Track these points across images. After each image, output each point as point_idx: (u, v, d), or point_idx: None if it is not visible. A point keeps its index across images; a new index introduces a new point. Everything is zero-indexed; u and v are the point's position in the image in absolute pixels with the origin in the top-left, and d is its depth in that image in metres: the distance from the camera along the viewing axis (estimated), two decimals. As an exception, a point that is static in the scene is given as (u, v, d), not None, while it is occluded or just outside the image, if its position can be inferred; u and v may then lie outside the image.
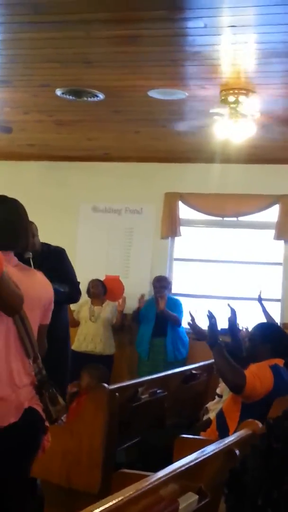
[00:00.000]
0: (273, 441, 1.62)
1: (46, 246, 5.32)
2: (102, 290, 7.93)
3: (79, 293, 5.58)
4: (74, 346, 7.70)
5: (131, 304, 8.10)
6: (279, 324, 7.55)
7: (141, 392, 4.91)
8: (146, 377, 5.51)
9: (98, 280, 7.93)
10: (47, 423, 3.09)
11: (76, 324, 7.83)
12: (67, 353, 5.55)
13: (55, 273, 4.99)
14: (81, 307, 7.85)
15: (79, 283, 5.53)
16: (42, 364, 3.06)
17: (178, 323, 7.76)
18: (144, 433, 4.92)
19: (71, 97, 5.76)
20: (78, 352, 7.58)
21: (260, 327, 4.68)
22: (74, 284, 5.37)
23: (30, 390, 3.00)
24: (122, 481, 2.97)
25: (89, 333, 7.74)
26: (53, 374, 3.13)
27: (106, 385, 4.38)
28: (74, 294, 5.41)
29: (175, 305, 7.86)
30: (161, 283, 7.94)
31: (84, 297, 7.86)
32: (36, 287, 3.06)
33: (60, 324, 5.32)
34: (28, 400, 2.97)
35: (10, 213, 3.10)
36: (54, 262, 5.15)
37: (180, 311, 7.79)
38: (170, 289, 8.08)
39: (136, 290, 8.19)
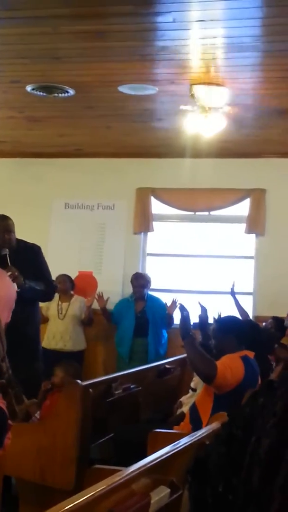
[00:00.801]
0: (234, 428, 1.64)
1: (23, 242, 5.30)
2: (70, 285, 7.90)
3: (54, 291, 5.58)
4: (44, 344, 7.64)
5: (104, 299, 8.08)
6: (251, 317, 7.61)
7: (114, 387, 4.92)
8: (119, 372, 5.51)
9: (65, 276, 7.88)
10: (10, 421, 3.06)
11: (45, 320, 7.81)
12: (38, 349, 5.53)
13: (30, 270, 4.99)
14: (50, 304, 7.79)
15: (53, 281, 5.52)
16: (9, 363, 3.05)
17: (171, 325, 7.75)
18: (118, 428, 4.93)
19: (41, 93, 5.74)
20: (48, 349, 7.55)
21: (218, 321, 4.77)
22: (49, 283, 5.37)
23: None
24: (96, 477, 2.97)
25: (58, 331, 7.72)
26: (26, 371, 3.11)
27: (79, 381, 4.38)
28: (49, 292, 5.41)
29: (160, 306, 7.80)
30: (140, 282, 7.84)
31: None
32: (5, 287, 3.04)
33: (33, 322, 5.31)
34: None
35: None
36: (29, 259, 5.14)
37: (164, 311, 7.73)
38: (149, 287, 7.95)
39: (109, 285, 8.18)
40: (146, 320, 7.70)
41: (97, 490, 2.09)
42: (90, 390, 4.34)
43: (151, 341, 7.63)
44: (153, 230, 8.47)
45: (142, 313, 7.72)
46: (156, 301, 7.87)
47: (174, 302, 7.57)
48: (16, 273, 4.63)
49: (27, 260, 5.07)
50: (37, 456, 4.15)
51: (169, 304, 7.67)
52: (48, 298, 5.65)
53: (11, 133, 7.56)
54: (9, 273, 4.19)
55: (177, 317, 4.70)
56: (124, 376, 5.24)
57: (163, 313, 7.68)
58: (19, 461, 4.10)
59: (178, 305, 4.48)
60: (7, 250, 4.89)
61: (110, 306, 7.98)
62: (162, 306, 7.74)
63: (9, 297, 3.07)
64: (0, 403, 2.98)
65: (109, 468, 3.75)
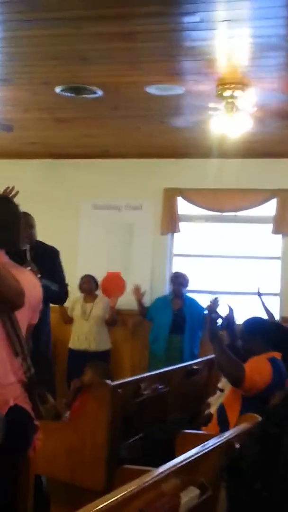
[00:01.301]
0: (270, 427, 1.64)
1: (42, 243, 5.32)
2: (94, 286, 7.95)
3: (67, 295, 5.60)
4: (70, 344, 7.78)
5: (132, 299, 8.11)
6: (278, 318, 7.58)
7: (143, 387, 4.92)
8: (148, 373, 5.52)
9: (89, 276, 7.94)
10: (37, 422, 3.08)
11: (70, 321, 7.87)
12: (50, 351, 5.54)
13: (45, 271, 5.01)
14: (74, 305, 7.87)
15: (67, 285, 5.53)
16: (31, 362, 3.06)
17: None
18: (146, 428, 4.94)
19: (70, 95, 5.76)
20: (74, 350, 7.62)
21: (245, 323, 4.75)
22: (63, 286, 5.39)
23: (16, 388, 2.99)
24: (125, 477, 2.98)
25: (82, 332, 7.77)
26: (39, 374, 3.12)
27: (109, 381, 4.40)
28: (62, 295, 5.43)
29: (198, 307, 7.81)
30: (179, 280, 7.94)
31: (76, 294, 7.90)
32: (26, 285, 3.05)
33: (44, 323, 5.31)
34: (14, 398, 2.94)
35: (2, 209, 3.11)
36: (46, 261, 5.15)
37: (202, 312, 7.76)
38: (187, 287, 8.04)
39: (137, 286, 8.20)
40: (182, 319, 7.76)
41: (128, 490, 2.10)
42: (119, 390, 4.36)
43: (186, 339, 7.69)
44: (179, 231, 8.47)
45: (179, 311, 7.79)
46: (194, 301, 7.92)
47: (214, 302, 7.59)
48: (34, 270, 4.62)
49: (44, 261, 5.08)
50: (67, 456, 4.18)
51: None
52: (61, 301, 5.68)
53: (41, 134, 7.61)
54: (28, 268, 4.22)
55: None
56: (152, 377, 5.25)
57: (200, 314, 7.72)
58: (49, 460, 4.12)
59: (206, 308, 4.50)
60: (28, 245, 4.88)
61: (130, 306, 8.02)
62: (200, 307, 7.76)
63: (34, 297, 3.07)
64: (25, 405, 3.00)
65: (138, 468, 3.74)
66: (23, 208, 3.43)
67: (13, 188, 3.73)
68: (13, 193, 3.71)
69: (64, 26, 4.33)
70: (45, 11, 4.11)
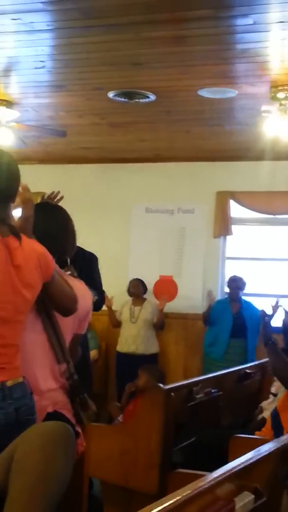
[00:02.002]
0: None
1: (80, 249, 5.31)
2: (142, 289, 7.97)
3: (103, 302, 5.60)
4: (118, 347, 7.81)
5: (184, 303, 8.11)
6: None
7: (196, 391, 4.92)
8: (200, 376, 5.51)
9: (138, 280, 7.98)
10: (78, 428, 3.08)
11: (119, 325, 7.91)
12: (88, 358, 5.53)
13: (84, 277, 5.00)
14: (123, 308, 7.92)
15: (104, 292, 5.53)
16: (73, 369, 3.08)
17: None
18: (199, 433, 4.92)
19: (123, 99, 5.80)
20: (122, 353, 7.66)
21: None
22: (101, 293, 5.38)
23: (57, 394, 3.00)
24: (179, 481, 2.99)
25: (130, 335, 7.80)
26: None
27: (161, 385, 4.40)
28: (101, 303, 5.43)
29: (253, 309, 7.79)
30: (237, 284, 7.91)
31: (125, 297, 7.94)
32: (79, 296, 3.07)
33: None
34: (52, 405, 2.96)
35: (51, 220, 3.13)
36: (85, 267, 5.14)
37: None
38: (243, 290, 8.01)
39: (189, 289, 8.20)
40: (242, 322, 7.72)
41: (183, 495, 2.10)
42: (172, 394, 4.35)
43: (250, 341, 7.63)
44: (232, 234, 8.44)
45: (238, 315, 7.75)
46: (251, 304, 7.91)
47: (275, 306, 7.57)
48: (74, 274, 4.60)
49: (82, 267, 5.05)
50: (120, 459, 4.19)
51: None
52: (98, 308, 5.67)
53: (95, 139, 7.67)
54: (68, 273, 4.23)
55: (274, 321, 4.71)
56: (205, 380, 5.23)
57: (258, 317, 7.68)
58: (103, 463, 4.15)
59: (260, 312, 4.45)
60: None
61: (190, 310, 8.01)
62: (257, 310, 7.72)
63: (82, 307, 3.08)
64: (65, 411, 3.00)
65: (192, 473, 3.75)
66: (76, 212, 3.45)
67: (58, 192, 3.71)
68: (58, 197, 3.69)
69: (117, 32, 4.36)
70: (98, 18, 4.14)
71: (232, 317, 7.76)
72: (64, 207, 3.35)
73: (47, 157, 8.62)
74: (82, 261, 4.95)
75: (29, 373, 2.82)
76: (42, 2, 3.97)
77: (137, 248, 8.54)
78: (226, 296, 8.09)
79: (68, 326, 3.05)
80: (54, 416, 2.93)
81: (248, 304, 7.92)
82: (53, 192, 3.68)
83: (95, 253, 5.14)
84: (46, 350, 2.94)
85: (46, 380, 2.94)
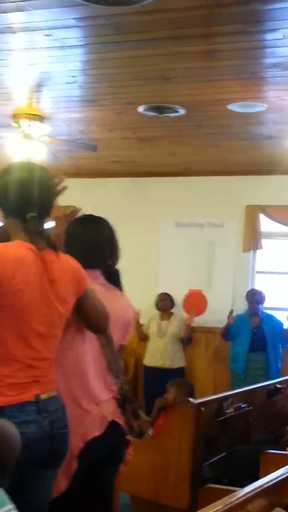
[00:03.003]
0: None
1: None
2: (170, 304, 7.97)
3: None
4: (145, 361, 7.81)
5: (213, 317, 8.09)
6: None
7: (226, 406, 4.90)
8: (230, 391, 5.48)
9: (166, 294, 7.98)
10: (129, 437, 3.11)
11: (146, 338, 7.91)
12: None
13: None
14: (150, 322, 7.93)
15: None
16: (123, 379, 3.10)
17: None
18: (229, 448, 4.90)
19: (153, 114, 5.82)
20: (149, 367, 7.66)
21: None
22: None
23: (111, 403, 3.04)
24: (209, 496, 2.97)
25: (158, 349, 7.80)
26: None
27: (191, 399, 4.39)
28: None
29: (277, 322, 7.76)
30: (255, 298, 7.86)
31: (153, 311, 7.94)
32: (120, 307, 3.09)
33: None
34: (110, 414, 3.00)
35: (96, 232, 3.15)
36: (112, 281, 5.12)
37: (282, 327, 7.71)
38: (263, 304, 7.96)
39: (218, 303, 8.18)
40: (262, 336, 7.66)
41: (214, 510, 2.09)
42: (202, 408, 4.34)
43: (271, 356, 7.58)
44: (262, 248, 8.41)
45: (258, 328, 7.69)
46: (272, 317, 7.83)
47: None
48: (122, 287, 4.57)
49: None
50: (151, 473, 4.19)
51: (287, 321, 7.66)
52: None
53: (125, 153, 7.71)
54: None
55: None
56: (235, 395, 5.21)
57: (280, 329, 7.64)
58: (133, 478, 4.14)
59: None
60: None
61: (219, 324, 7.98)
62: (279, 322, 7.68)
63: (126, 318, 3.12)
64: (119, 420, 3.04)
65: (222, 488, 3.72)
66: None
67: (79, 209, 3.70)
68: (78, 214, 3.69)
69: (148, 47, 4.39)
70: (129, 33, 4.17)
71: (251, 332, 7.71)
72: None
73: (77, 171, 8.67)
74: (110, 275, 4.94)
75: (85, 384, 2.85)
76: (74, 18, 4.01)
77: (166, 262, 8.55)
78: (244, 311, 7.99)
79: (116, 337, 3.08)
80: (112, 424, 2.96)
81: (270, 317, 7.84)
82: (75, 209, 3.70)
83: (123, 267, 5.15)
84: (100, 361, 2.97)
85: (102, 390, 2.97)
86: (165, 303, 7.98)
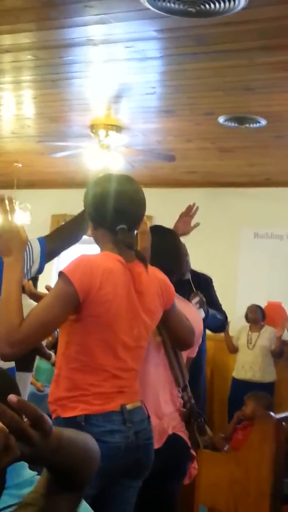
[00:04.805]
0: None
1: (194, 272, 5.28)
2: (261, 316, 7.85)
3: (227, 322, 5.53)
4: (234, 373, 7.71)
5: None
6: None
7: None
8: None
9: (256, 306, 7.86)
10: (193, 451, 3.08)
11: (236, 350, 7.82)
12: (203, 381, 5.44)
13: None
14: (240, 334, 7.83)
15: (225, 312, 5.46)
16: (191, 393, 3.08)
17: None
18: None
19: (233, 124, 5.79)
20: (238, 379, 7.56)
21: None
22: (223, 313, 5.31)
23: (175, 416, 3.01)
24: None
25: (247, 361, 7.68)
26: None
27: (273, 414, 4.32)
28: (225, 323, 5.36)
29: None
30: None
31: (242, 323, 7.85)
32: (190, 320, 3.07)
33: (204, 355, 5.23)
34: (172, 427, 2.98)
35: (165, 241, 3.15)
36: (202, 289, 5.10)
37: None
38: None
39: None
40: None
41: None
42: (284, 423, 4.26)
43: None
44: None
45: None
46: None
47: None
48: (203, 299, 4.56)
49: (200, 290, 5.01)
50: (230, 487, 4.14)
51: None
52: (223, 328, 5.58)
53: (203, 164, 7.69)
54: (196, 298, 4.20)
55: None
56: None
57: None
58: (212, 491, 4.11)
59: None
60: (189, 274, 4.81)
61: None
62: None
63: (198, 331, 3.09)
64: (182, 433, 3.01)
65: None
66: (183, 236, 3.49)
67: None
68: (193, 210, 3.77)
69: (229, 58, 4.37)
70: (210, 45, 4.16)
71: None
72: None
73: (153, 181, 8.67)
74: (199, 284, 4.94)
75: (153, 396, 2.85)
76: (154, 30, 4.03)
77: (245, 273, 8.46)
78: None
79: (189, 350, 3.08)
80: (173, 438, 2.95)
81: None
82: (189, 206, 3.77)
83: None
84: (168, 374, 2.97)
85: (166, 403, 2.97)
86: (255, 315, 7.88)
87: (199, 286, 4.88)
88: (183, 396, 3.05)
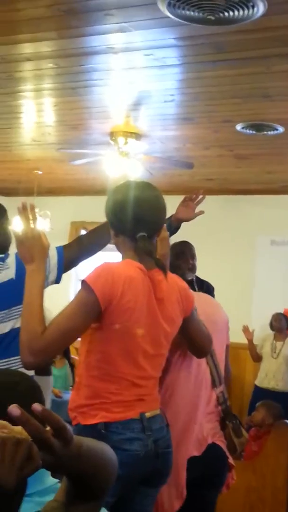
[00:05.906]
0: None
1: (198, 278, 5.28)
2: (285, 324, 7.80)
3: None
4: (257, 381, 7.67)
5: None
6: None
7: None
8: None
9: (281, 314, 7.82)
10: (231, 460, 3.08)
11: (259, 359, 7.78)
12: None
13: None
14: (264, 342, 7.79)
15: None
16: (227, 394, 3.08)
17: None
18: None
19: (251, 132, 5.79)
20: (260, 387, 7.52)
21: None
22: None
23: (214, 425, 3.01)
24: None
25: (271, 370, 7.64)
26: None
27: (288, 422, 4.32)
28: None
29: None
30: None
31: (267, 331, 7.82)
32: (209, 310, 3.07)
33: None
34: (211, 436, 2.98)
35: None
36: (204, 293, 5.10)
37: None
38: None
39: None
40: None
41: None
42: (299, 432, 4.26)
43: None
44: None
45: None
46: None
47: None
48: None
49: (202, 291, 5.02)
50: (246, 495, 4.14)
51: None
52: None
53: (219, 171, 7.70)
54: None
55: None
56: None
57: None
58: (227, 498, 4.09)
59: None
60: (194, 275, 4.82)
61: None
62: None
63: (222, 317, 3.11)
64: (221, 442, 3.00)
65: None
66: (199, 243, 3.50)
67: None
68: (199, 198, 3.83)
69: (248, 66, 4.37)
70: (229, 52, 4.16)
71: None
72: (187, 237, 3.63)
73: (170, 188, 8.66)
74: (200, 286, 4.94)
75: (193, 402, 2.85)
76: (174, 38, 4.04)
77: (261, 281, 8.44)
78: None
79: (223, 339, 3.09)
80: (212, 447, 2.95)
81: None
82: (196, 191, 3.79)
83: (213, 283, 5.16)
84: (206, 377, 2.96)
85: (204, 409, 2.97)
86: (280, 323, 7.84)
87: (201, 289, 4.90)
88: (218, 397, 3.05)
